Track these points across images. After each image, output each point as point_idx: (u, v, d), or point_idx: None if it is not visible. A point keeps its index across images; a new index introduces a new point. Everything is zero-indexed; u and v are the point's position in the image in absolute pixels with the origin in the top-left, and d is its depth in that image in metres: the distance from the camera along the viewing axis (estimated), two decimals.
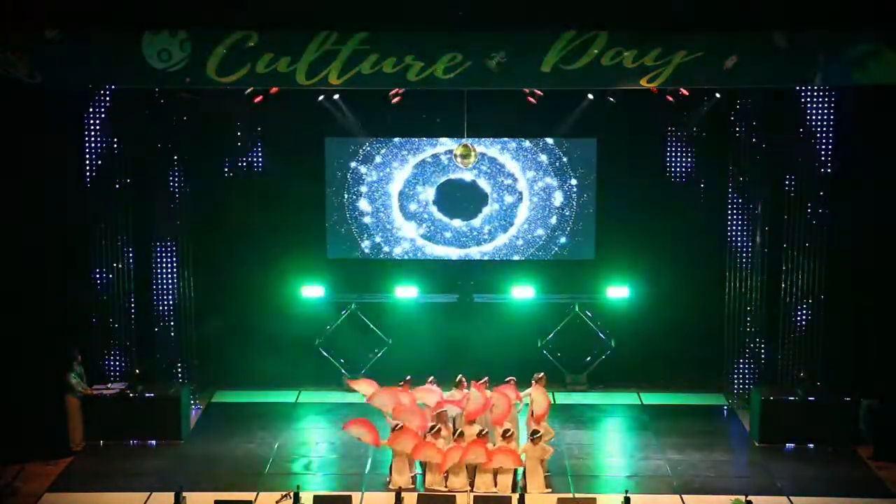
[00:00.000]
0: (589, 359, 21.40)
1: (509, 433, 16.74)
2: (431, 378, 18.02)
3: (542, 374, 17.88)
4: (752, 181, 19.86)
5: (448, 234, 21.34)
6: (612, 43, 16.33)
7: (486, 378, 17.90)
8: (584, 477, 17.44)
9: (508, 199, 21.22)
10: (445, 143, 20.87)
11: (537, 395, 17.71)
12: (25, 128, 17.61)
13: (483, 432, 16.89)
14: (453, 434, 17.20)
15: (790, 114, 19.22)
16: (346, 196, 21.27)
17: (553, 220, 21.25)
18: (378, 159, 21.20)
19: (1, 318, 17.62)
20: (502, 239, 21.33)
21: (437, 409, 17.34)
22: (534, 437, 16.58)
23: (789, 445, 18.55)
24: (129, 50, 16.35)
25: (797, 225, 19.44)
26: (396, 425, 16.80)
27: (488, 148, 20.97)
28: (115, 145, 19.27)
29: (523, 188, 21.20)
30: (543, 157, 21.12)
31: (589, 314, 21.35)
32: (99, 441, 18.52)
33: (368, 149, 21.16)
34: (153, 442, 18.60)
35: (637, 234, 21.00)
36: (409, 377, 17.96)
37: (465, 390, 17.84)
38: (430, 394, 17.73)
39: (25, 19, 16.31)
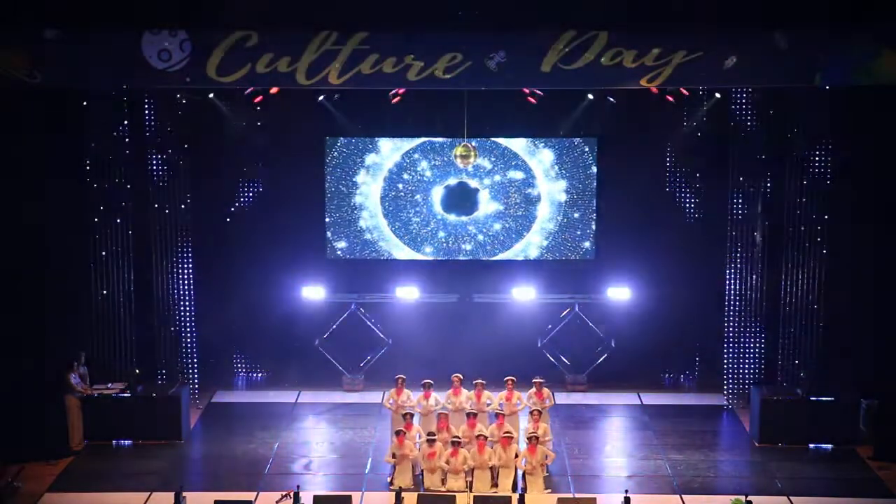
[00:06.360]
0: (589, 359, 21.43)
1: (510, 435, 16.77)
2: (429, 381, 18.07)
3: (540, 378, 18.01)
4: (752, 180, 19.83)
5: (449, 234, 21.35)
6: (612, 43, 16.34)
7: (482, 380, 18.03)
8: (584, 477, 17.43)
9: (508, 198, 21.24)
10: (448, 143, 20.85)
11: (538, 402, 17.79)
12: (25, 128, 17.62)
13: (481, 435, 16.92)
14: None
15: (791, 113, 19.21)
16: (346, 196, 21.27)
17: (554, 221, 21.25)
18: (379, 159, 21.21)
19: (1, 318, 17.63)
20: (502, 237, 21.35)
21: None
22: (531, 441, 16.58)
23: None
24: (129, 50, 16.36)
25: (797, 225, 19.42)
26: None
27: (489, 150, 20.99)
28: (116, 145, 19.27)
29: (523, 188, 21.20)
30: (543, 158, 21.12)
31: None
32: (99, 441, 18.51)
33: (369, 148, 21.16)
34: (153, 442, 18.59)
35: (637, 234, 21.00)
36: (402, 376, 18.02)
37: (465, 390, 17.93)
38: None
39: (25, 19, 16.31)
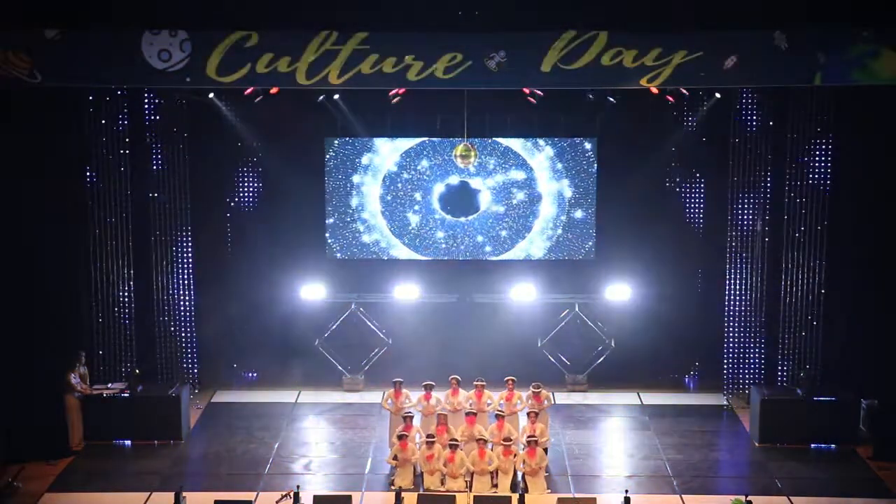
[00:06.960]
0: (589, 359, 21.43)
1: (511, 440, 16.77)
2: (430, 383, 18.07)
3: (537, 388, 17.97)
4: (752, 181, 19.84)
5: (448, 234, 21.34)
6: (612, 43, 16.33)
7: (482, 379, 18.04)
8: (584, 477, 17.44)
9: (509, 198, 21.24)
10: (448, 143, 20.84)
11: (536, 404, 17.75)
12: (25, 128, 17.62)
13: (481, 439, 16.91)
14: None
15: (791, 113, 19.22)
16: (345, 196, 21.26)
17: (555, 221, 21.25)
18: (378, 159, 21.20)
19: (1, 318, 17.63)
20: (503, 237, 21.35)
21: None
22: (529, 443, 16.57)
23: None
24: (129, 50, 16.36)
25: (797, 225, 19.42)
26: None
27: (489, 150, 20.98)
28: (116, 145, 19.27)
29: (524, 188, 21.19)
30: (544, 158, 21.12)
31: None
32: (99, 441, 18.51)
33: (369, 148, 21.16)
34: (153, 442, 18.59)
35: (637, 234, 20.99)
36: (400, 379, 18.02)
37: (463, 391, 17.92)
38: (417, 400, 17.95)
39: (25, 19, 16.31)
